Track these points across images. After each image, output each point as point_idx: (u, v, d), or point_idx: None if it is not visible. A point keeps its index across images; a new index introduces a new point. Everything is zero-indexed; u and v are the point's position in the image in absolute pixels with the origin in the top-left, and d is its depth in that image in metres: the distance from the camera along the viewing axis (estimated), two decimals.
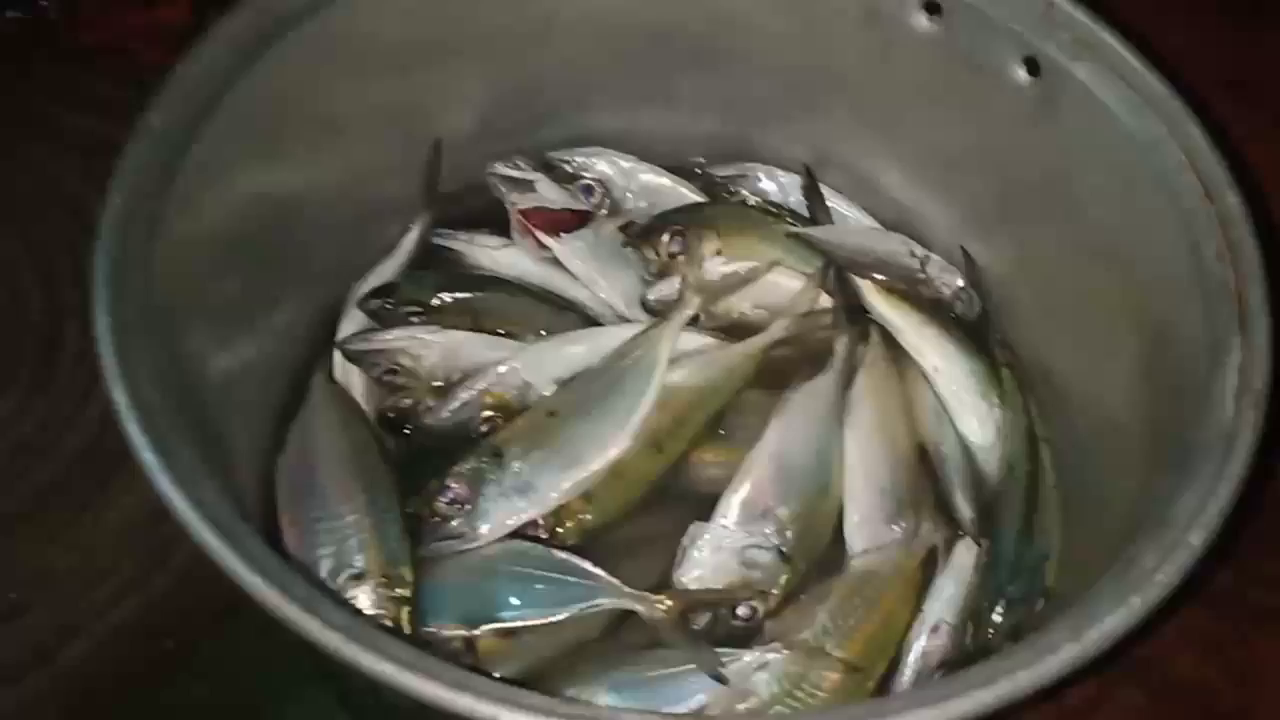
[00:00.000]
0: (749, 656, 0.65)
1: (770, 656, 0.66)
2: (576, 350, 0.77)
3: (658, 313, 0.79)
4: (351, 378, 0.78)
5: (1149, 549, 0.51)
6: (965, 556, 0.72)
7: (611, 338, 0.77)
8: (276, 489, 0.70)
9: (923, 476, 0.75)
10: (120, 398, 0.52)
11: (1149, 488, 0.63)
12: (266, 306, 0.75)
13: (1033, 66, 0.72)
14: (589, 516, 0.72)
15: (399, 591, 0.66)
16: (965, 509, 0.74)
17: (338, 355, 0.78)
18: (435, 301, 0.79)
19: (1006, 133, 0.76)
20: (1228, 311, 0.59)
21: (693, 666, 0.65)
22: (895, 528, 0.73)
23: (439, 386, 0.77)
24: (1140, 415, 0.68)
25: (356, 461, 0.71)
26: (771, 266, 0.80)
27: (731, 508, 0.70)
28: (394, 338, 0.77)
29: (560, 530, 0.71)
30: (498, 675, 0.67)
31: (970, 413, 0.78)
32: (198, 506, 0.49)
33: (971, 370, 0.78)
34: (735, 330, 0.79)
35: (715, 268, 0.79)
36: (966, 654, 0.69)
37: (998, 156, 0.78)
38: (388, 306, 0.79)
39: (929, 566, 0.72)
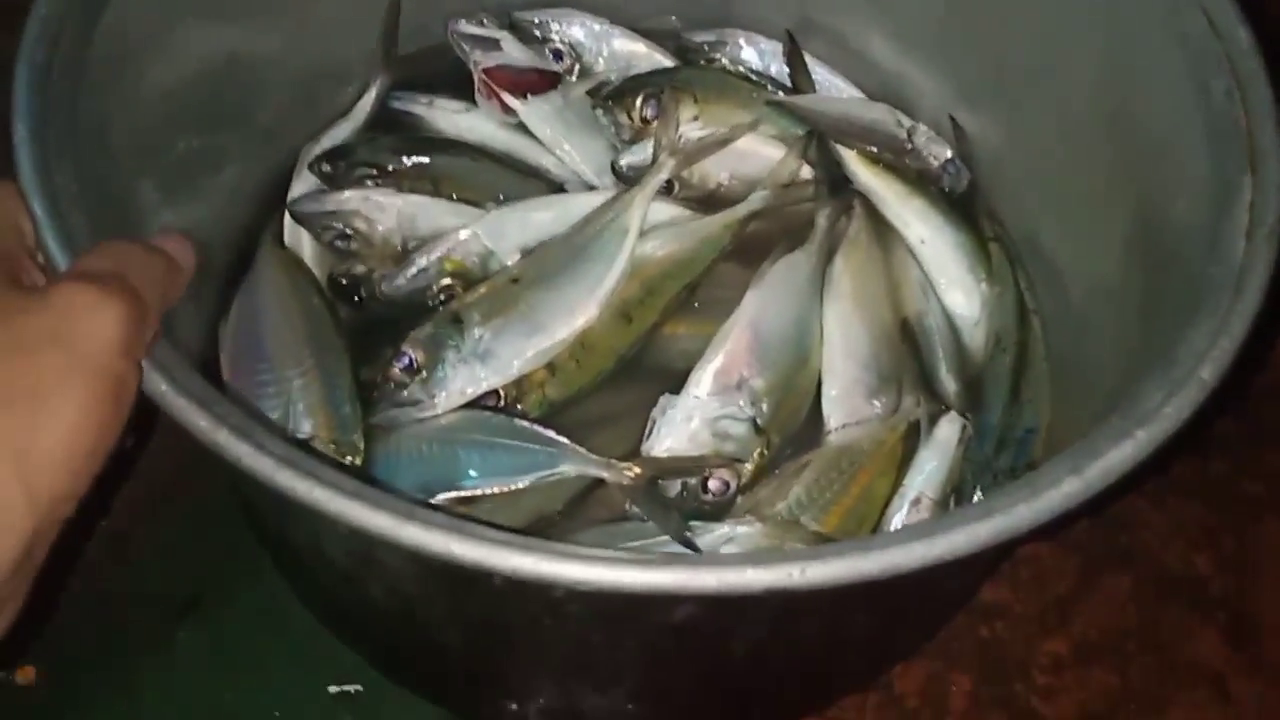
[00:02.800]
0: (721, 529, 0.62)
1: (742, 529, 0.62)
2: (542, 217, 0.72)
3: (629, 180, 0.74)
4: (302, 243, 0.73)
5: (1155, 386, 0.47)
6: (949, 430, 0.68)
7: (580, 204, 0.72)
8: (221, 355, 0.66)
9: (905, 352, 0.71)
10: (37, 209, 0.47)
11: (1144, 352, 0.60)
12: (211, 163, 0.70)
13: None
14: (552, 388, 0.68)
15: (349, 459, 0.63)
16: (950, 383, 0.71)
17: (288, 218, 0.73)
18: (392, 166, 0.74)
19: None
20: (1237, 151, 0.55)
21: (662, 539, 0.61)
22: (875, 403, 0.69)
23: (395, 254, 0.73)
24: (1136, 281, 0.64)
25: (306, 326, 0.67)
26: (752, 127, 0.75)
27: (705, 378, 0.66)
28: (348, 199, 0.72)
29: (521, 402, 0.67)
30: None
31: (957, 286, 0.74)
32: None
33: (959, 243, 0.74)
34: (711, 201, 0.75)
35: (691, 132, 0.75)
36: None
37: (989, 17, 0.73)
38: (341, 168, 0.74)
39: (910, 442, 0.68)
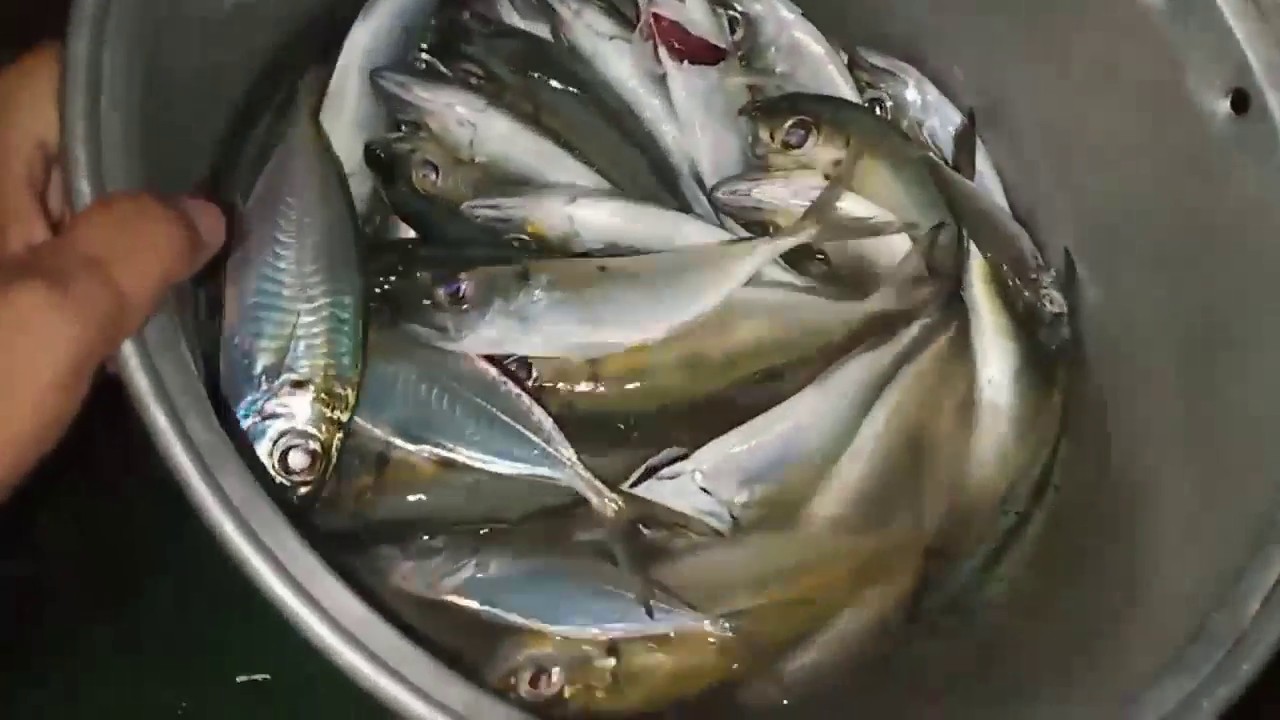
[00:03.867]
0: (665, 616, 0.61)
1: (688, 622, 0.62)
2: (642, 230, 0.68)
3: (719, 206, 0.71)
4: (344, 103, 0.68)
5: None
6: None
7: (688, 235, 0.68)
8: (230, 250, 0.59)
9: (918, 478, 0.70)
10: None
11: (1134, 612, 0.60)
12: None
13: (1240, 101, 0.59)
14: (585, 397, 0.65)
15: (337, 414, 0.59)
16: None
17: (334, 82, 0.68)
18: (501, 71, 0.69)
19: (1177, 158, 0.64)
20: None
21: (615, 589, 0.61)
22: (869, 514, 0.68)
23: (457, 157, 0.69)
24: (1161, 529, 0.63)
25: (325, 244, 0.60)
26: (910, 227, 0.71)
27: (715, 460, 0.64)
28: (433, 100, 0.67)
29: (544, 392, 0.65)
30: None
31: (995, 445, 0.71)
32: None
33: (1020, 415, 0.71)
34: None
35: (849, 207, 0.70)
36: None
37: (1158, 181, 0.67)
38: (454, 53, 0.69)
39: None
